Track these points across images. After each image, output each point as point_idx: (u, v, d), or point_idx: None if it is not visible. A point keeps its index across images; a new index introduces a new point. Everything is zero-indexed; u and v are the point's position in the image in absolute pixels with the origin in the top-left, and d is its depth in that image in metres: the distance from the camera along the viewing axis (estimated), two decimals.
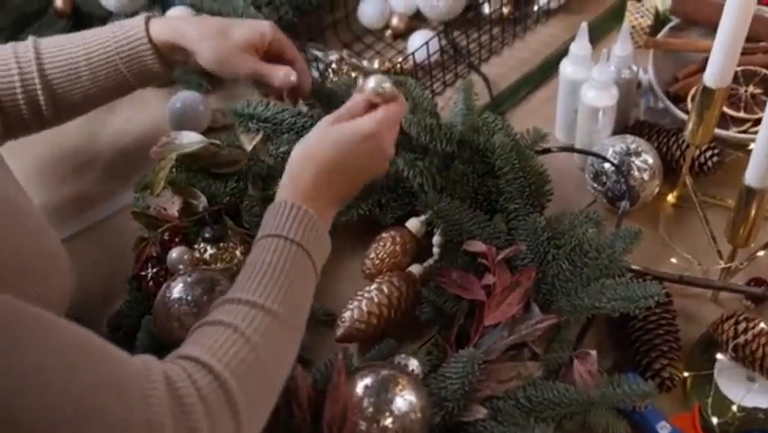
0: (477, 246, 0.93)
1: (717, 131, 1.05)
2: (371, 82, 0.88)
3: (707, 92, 0.94)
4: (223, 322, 0.75)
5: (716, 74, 0.92)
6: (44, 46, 1.03)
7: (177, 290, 0.93)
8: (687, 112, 1.12)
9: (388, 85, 0.88)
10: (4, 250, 0.77)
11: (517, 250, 0.93)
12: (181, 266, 0.98)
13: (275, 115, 1.07)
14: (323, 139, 0.87)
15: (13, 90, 1.01)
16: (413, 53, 1.24)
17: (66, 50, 1.03)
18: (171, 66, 1.07)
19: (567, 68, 1.13)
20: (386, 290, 0.99)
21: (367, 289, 1.00)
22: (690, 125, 1.00)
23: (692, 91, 1.14)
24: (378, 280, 1.00)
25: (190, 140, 1.04)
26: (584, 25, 1.10)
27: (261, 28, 1.02)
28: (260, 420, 0.75)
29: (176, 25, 1.04)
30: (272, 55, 1.03)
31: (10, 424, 0.58)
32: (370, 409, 0.81)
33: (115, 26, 1.04)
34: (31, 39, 1.04)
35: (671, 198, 1.12)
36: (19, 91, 1.01)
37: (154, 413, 0.64)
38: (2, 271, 0.75)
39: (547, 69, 1.31)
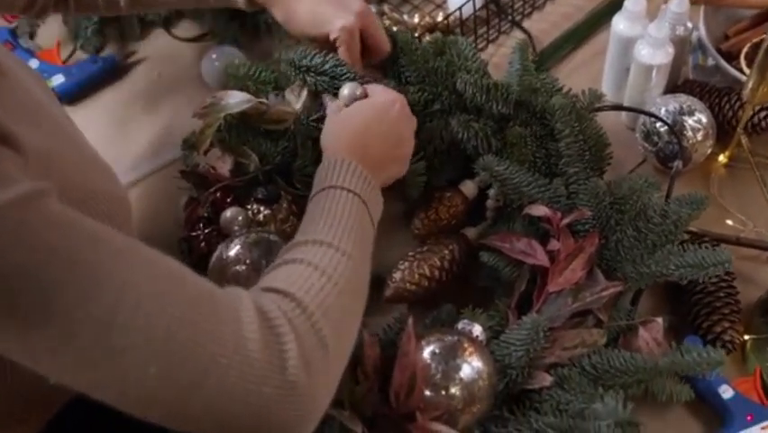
0: (540, 210, 0.91)
1: None
2: (346, 90, 0.94)
3: None
4: (299, 260, 0.74)
5: None
6: None
7: (234, 250, 0.91)
8: (740, 70, 1.10)
9: (360, 90, 0.94)
10: (71, 180, 0.75)
11: (582, 215, 0.91)
12: (236, 227, 0.96)
13: (333, 69, 0.98)
14: (358, 107, 0.92)
15: None
16: (459, 8, 1.20)
17: None
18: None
19: (620, 24, 1.10)
20: (437, 250, 0.98)
21: (418, 249, 0.99)
22: (750, 84, 0.98)
23: (745, 48, 1.12)
24: (429, 241, 0.99)
25: (237, 99, 1.00)
26: None
27: None
28: (345, 355, 0.74)
29: None
30: None
31: (106, 333, 0.60)
32: (438, 376, 0.81)
33: None
34: None
35: (722, 158, 1.10)
36: None
37: (246, 331, 0.65)
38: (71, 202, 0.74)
39: (591, 25, 1.28)
